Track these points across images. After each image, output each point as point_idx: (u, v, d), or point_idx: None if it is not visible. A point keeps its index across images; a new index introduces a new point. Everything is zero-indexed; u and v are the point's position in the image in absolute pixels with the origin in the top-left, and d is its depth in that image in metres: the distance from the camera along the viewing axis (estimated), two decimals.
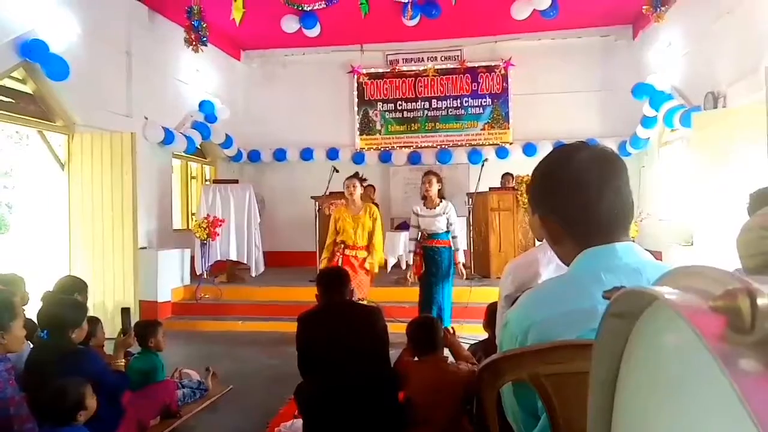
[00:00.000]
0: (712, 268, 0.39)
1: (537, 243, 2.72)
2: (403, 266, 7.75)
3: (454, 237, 5.39)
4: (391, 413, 2.65)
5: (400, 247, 7.61)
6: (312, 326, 2.78)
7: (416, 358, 2.75)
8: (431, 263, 5.35)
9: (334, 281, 2.97)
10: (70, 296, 3.56)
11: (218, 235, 7.30)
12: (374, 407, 2.59)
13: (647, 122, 7.93)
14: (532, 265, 2.23)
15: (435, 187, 5.35)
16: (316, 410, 2.69)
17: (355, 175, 5.68)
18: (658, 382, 0.49)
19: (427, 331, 2.71)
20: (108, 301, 6.10)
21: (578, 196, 1.15)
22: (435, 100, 9.88)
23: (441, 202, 5.40)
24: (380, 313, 2.79)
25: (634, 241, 1.19)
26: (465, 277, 5.87)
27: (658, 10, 6.84)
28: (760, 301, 0.32)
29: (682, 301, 0.36)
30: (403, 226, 8.54)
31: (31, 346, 3.09)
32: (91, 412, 2.68)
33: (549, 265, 2.22)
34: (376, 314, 2.78)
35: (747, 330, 0.32)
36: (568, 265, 1.21)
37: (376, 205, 8.67)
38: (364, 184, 5.90)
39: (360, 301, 3.14)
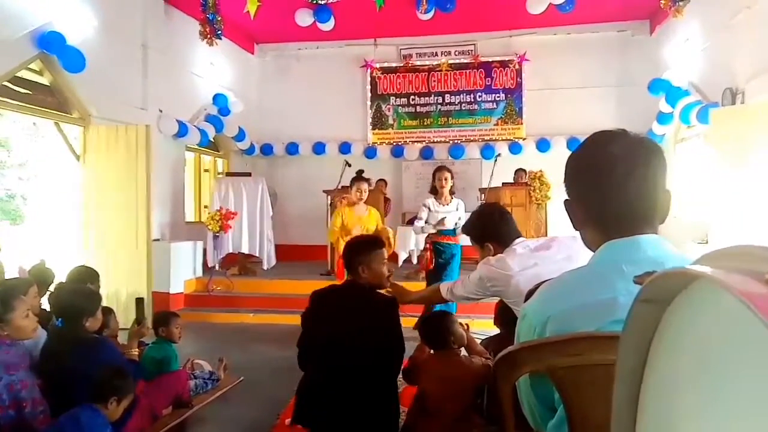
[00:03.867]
0: (756, 246, 0.37)
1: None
2: (414, 261, 7.74)
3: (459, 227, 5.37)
4: (386, 411, 2.60)
5: (411, 242, 7.60)
6: (322, 304, 2.71)
7: (431, 351, 2.73)
8: (440, 260, 5.34)
9: (357, 255, 2.74)
10: (83, 285, 3.59)
11: (230, 227, 7.32)
12: (368, 401, 2.54)
13: (663, 118, 7.84)
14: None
15: (450, 184, 5.35)
16: (310, 397, 2.65)
17: (363, 178, 5.69)
18: (690, 368, 0.47)
19: (439, 328, 2.69)
20: (121, 291, 6.15)
21: (602, 185, 1.14)
22: (448, 95, 9.83)
23: (452, 198, 5.42)
24: (396, 306, 2.67)
25: None
26: None
27: (676, 4, 6.74)
28: None
29: (731, 280, 0.35)
30: (415, 220, 8.51)
31: (46, 334, 3.12)
32: (117, 413, 2.72)
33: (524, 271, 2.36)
34: (391, 307, 2.65)
35: None
36: (591, 250, 1.20)
37: (388, 200, 8.71)
38: (377, 180, 5.94)
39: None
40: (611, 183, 1.13)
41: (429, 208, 5.43)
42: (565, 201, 1.24)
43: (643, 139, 1.18)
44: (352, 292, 2.73)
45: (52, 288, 3.67)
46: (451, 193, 5.43)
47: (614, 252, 1.12)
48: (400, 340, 2.64)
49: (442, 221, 5.32)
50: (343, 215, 5.53)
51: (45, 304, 3.58)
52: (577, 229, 1.24)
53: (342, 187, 7.68)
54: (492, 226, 2.66)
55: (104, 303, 3.69)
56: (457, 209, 5.39)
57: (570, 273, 1.22)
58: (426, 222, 5.45)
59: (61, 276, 3.96)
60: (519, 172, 8.36)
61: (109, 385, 2.70)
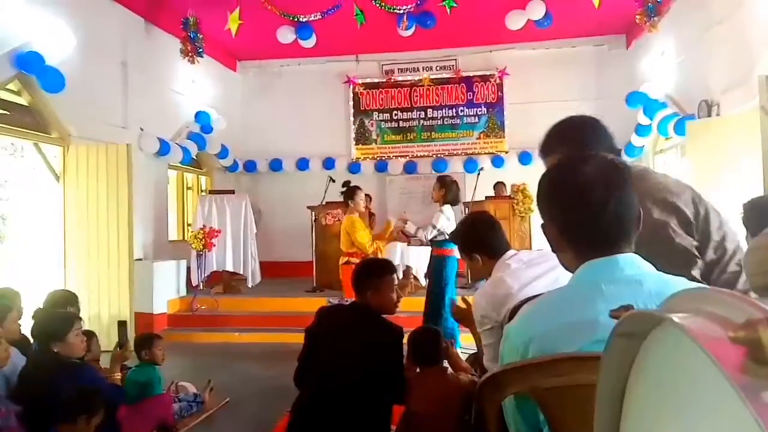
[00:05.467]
0: (721, 292, 0.38)
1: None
2: (400, 275, 7.73)
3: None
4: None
5: (397, 257, 7.59)
6: (327, 321, 2.66)
7: (417, 370, 2.72)
8: (433, 272, 5.32)
9: (367, 278, 2.68)
10: (56, 310, 3.53)
11: (214, 245, 7.27)
12: (362, 423, 2.50)
13: (641, 130, 7.97)
14: (503, 298, 2.18)
15: (437, 194, 5.33)
16: (302, 415, 2.61)
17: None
18: (666, 401, 0.48)
19: (429, 343, 2.68)
20: (103, 313, 6.05)
21: (579, 209, 1.15)
22: (430, 110, 9.91)
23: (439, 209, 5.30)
24: (400, 336, 2.58)
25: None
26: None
27: (652, 19, 6.89)
28: None
29: (696, 328, 0.36)
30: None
31: (25, 360, 3.06)
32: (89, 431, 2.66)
33: (524, 289, 2.16)
34: (396, 336, 2.57)
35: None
36: (570, 271, 1.20)
37: (373, 214, 8.71)
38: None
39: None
40: (590, 207, 1.14)
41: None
42: (542, 225, 1.25)
43: (613, 160, 1.20)
44: (359, 314, 2.67)
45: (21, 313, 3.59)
46: (448, 203, 5.26)
47: (593, 271, 1.13)
48: (400, 370, 2.59)
49: (414, 233, 5.38)
50: (362, 225, 5.43)
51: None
52: (554, 251, 1.25)
53: (326, 203, 7.68)
54: (479, 237, 2.53)
55: (86, 325, 3.63)
56: (436, 219, 5.21)
57: (550, 293, 1.23)
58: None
59: (43, 298, 3.89)
60: (499, 185, 8.44)
61: (77, 404, 2.64)
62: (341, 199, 5.83)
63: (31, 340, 3.31)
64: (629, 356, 0.56)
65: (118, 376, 3.47)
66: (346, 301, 4.69)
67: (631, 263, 1.13)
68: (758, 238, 1.34)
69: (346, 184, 5.87)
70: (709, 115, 6.08)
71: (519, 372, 1.17)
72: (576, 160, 1.20)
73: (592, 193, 1.13)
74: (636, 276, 1.11)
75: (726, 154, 5.39)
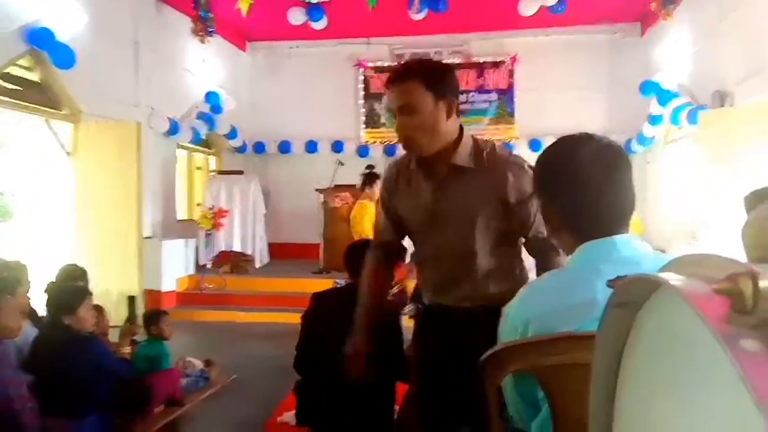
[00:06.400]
0: (715, 256, 0.40)
1: None
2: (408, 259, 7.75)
3: None
4: (384, 411, 2.60)
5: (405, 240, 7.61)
6: (323, 306, 2.69)
7: None
8: None
9: (361, 258, 2.63)
10: (67, 283, 3.59)
11: (223, 225, 7.32)
12: (366, 402, 2.54)
13: (654, 120, 7.90)
14: None
15: None
16: (307, 399, 2.65)
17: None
18: (660, 369, 0.50)
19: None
20: (112, 289, 6.12)
21: (579, 191, 1.16)
22: None
23: None
24: (397, 313, 2.64)
25: (640, 238, 1.19)
26: None
27: (667, 7, 6.80)
28: (761, 284, 0.33)
29: (685, 286, 0.37)
30: None
31: (37, 331, 3.12)
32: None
33: None
34: (392, 313, 2.62)
35: (749, 311, 0.33)
36: (566, 254, 1.22)
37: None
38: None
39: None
40: (588, 189, 1.14)
41: None
42: (541, 206, 1.26)
43: (610, 142, 1.20)
44: (354, 295, 2.63)
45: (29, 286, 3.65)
46: None
47: (591, 253, 1.14)
48: (400, 347, 2.63)
49: None
50: (372, 215, 5.34)
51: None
52: (551, 234, 1.25)
53: (335, 185, 7.70)
54: None
55: (95, 301, 3.69)
56: None
57: (549, 275, 1.24)
58: None
59: (52, 273, 3.95)
60: None
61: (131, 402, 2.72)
62: (359, 179, 5.78)
63: (40, 313, 3.38)
64: (625, 328, 0.57)
65: (127, 350, 3.54)
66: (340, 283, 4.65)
67: (628, 244, 1.14)
68: (757, 210, 1.35)
69: (370, 167, 5.82)
70: (722, 105, 6.01)
71: (520, 350, 1.19)
72: (573, 143, 1.20)
73: (590, 177, 1.14)
74: (634, 257, 1.12)
75: (739, 145, 5.35)
